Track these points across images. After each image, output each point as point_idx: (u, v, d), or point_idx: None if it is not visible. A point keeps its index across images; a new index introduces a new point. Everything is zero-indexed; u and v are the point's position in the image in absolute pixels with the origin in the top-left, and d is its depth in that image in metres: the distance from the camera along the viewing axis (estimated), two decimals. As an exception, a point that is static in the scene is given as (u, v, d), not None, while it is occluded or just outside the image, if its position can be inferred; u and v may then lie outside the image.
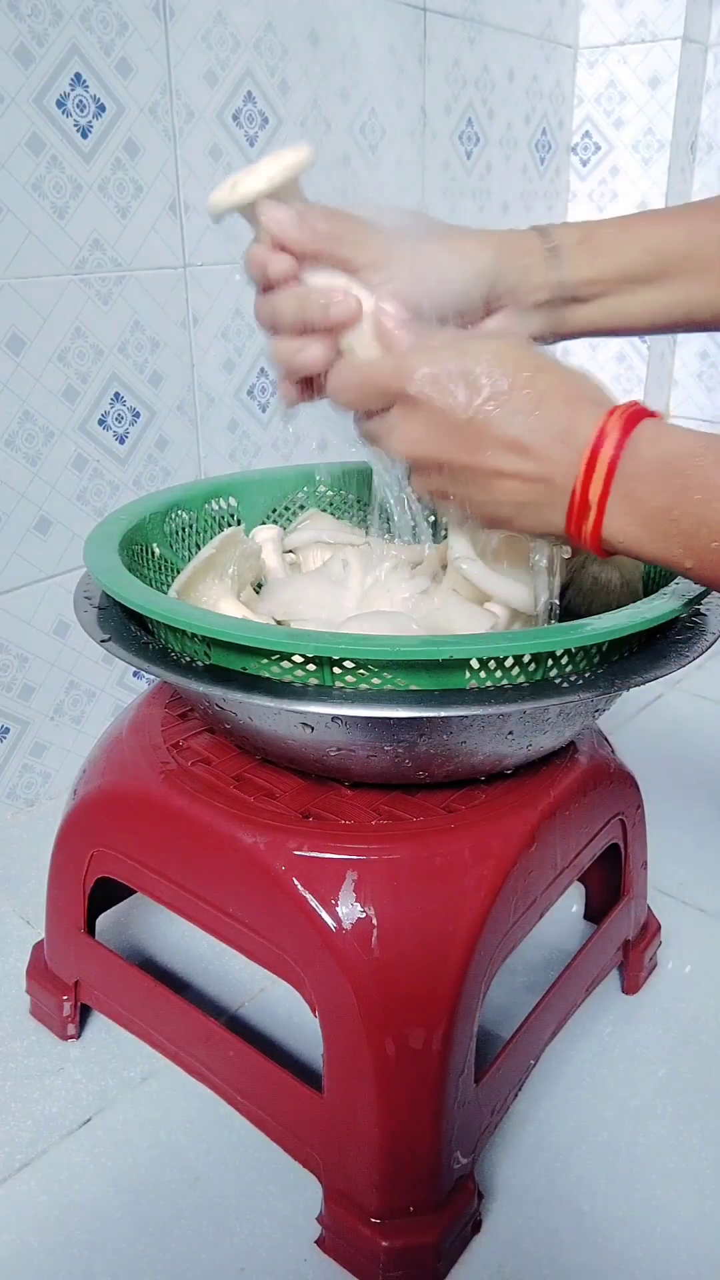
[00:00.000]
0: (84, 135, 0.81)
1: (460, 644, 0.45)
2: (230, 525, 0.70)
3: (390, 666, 0.46)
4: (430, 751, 0.50)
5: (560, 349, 0.63)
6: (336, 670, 0.46)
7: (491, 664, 0.46)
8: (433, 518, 0.69)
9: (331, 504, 0.74)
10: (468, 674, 0.46)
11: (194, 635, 0.48)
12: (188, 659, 0.50)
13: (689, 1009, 0.71)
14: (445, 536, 0.62)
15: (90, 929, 0.66)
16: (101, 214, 0.84)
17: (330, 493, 0.74)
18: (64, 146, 0.80)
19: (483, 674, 0.46)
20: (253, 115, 0.95)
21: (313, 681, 0.46)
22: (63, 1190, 0.58)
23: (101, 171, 0.83)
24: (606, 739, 0.66)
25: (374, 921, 0.49)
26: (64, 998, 0.67)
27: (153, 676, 0.55)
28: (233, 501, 0.70)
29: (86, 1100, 0.64)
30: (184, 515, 0.66)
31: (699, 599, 0.49)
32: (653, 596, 0.50)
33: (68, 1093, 0.64)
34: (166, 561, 0.63)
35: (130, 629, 0.53)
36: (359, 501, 0.75)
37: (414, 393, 0.46)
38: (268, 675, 0.47)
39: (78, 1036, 0.68)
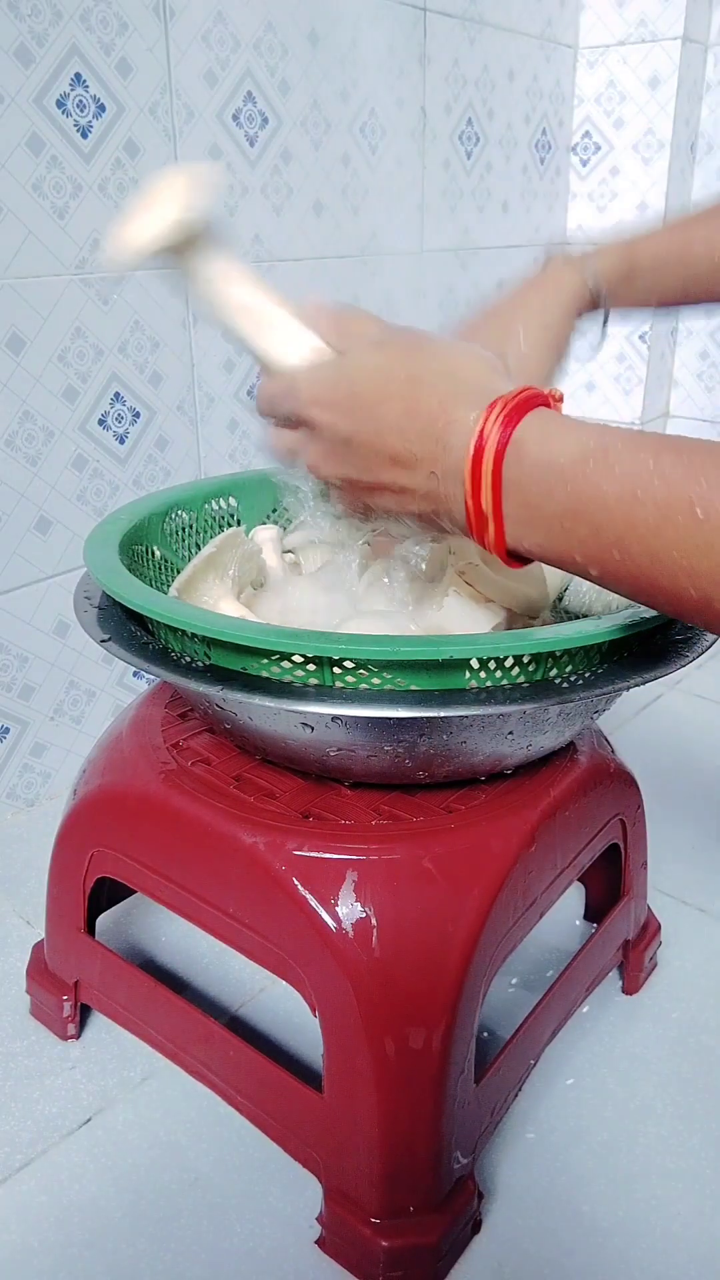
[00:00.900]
0: (84, 135, 0.81)
1: (460, 644, 0.45)
2: (230, 525, 0.70)
3: (390, 667, 0.46)
4: (430, 751, 0.50)
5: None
6: (336, 670, 0.46)
7: (491, 664, 0.46)
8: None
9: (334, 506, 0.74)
10: (468, 674, 0.46)
11: (194, 635, 0.48)
12: (188, 659, 0.50)
13: (689, 1009, 0.71)
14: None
15: (90, 929, 0.66)
16: (102, 214, 0.84)
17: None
18: (64, 146, 0.80)
19: (483, 674, 0.46)
20: (253, 115, 0.95)
21: (313, 681, 0.46)
22: (63, 1190, 0.58)
23: (101, 171, 0.83)
24: (606, 739, 0.66)
25: (374, 921, 0.49)
26: (64, 998, 0.67)
27: (153, 677, 0.55)
28: (233, 501, 0.70)
29: (86, 1100, 0.64)
30: (184, 515, 0.66)
31: None
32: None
33: (68, 1093, 0.64)
34: (166, 562, 0.63)
35: (130, 629, 0.53)
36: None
37: (305, 415, 0.46)
38: (267, 675, 0.47)
39: (78, 1036, 0.68)
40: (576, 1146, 0.61)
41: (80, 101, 0.80)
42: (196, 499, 0.68)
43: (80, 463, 0.89)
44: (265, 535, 0.67)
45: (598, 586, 0.48)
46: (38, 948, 0.71)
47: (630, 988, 0.72)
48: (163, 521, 0.64)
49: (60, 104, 0.79)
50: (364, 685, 0.46)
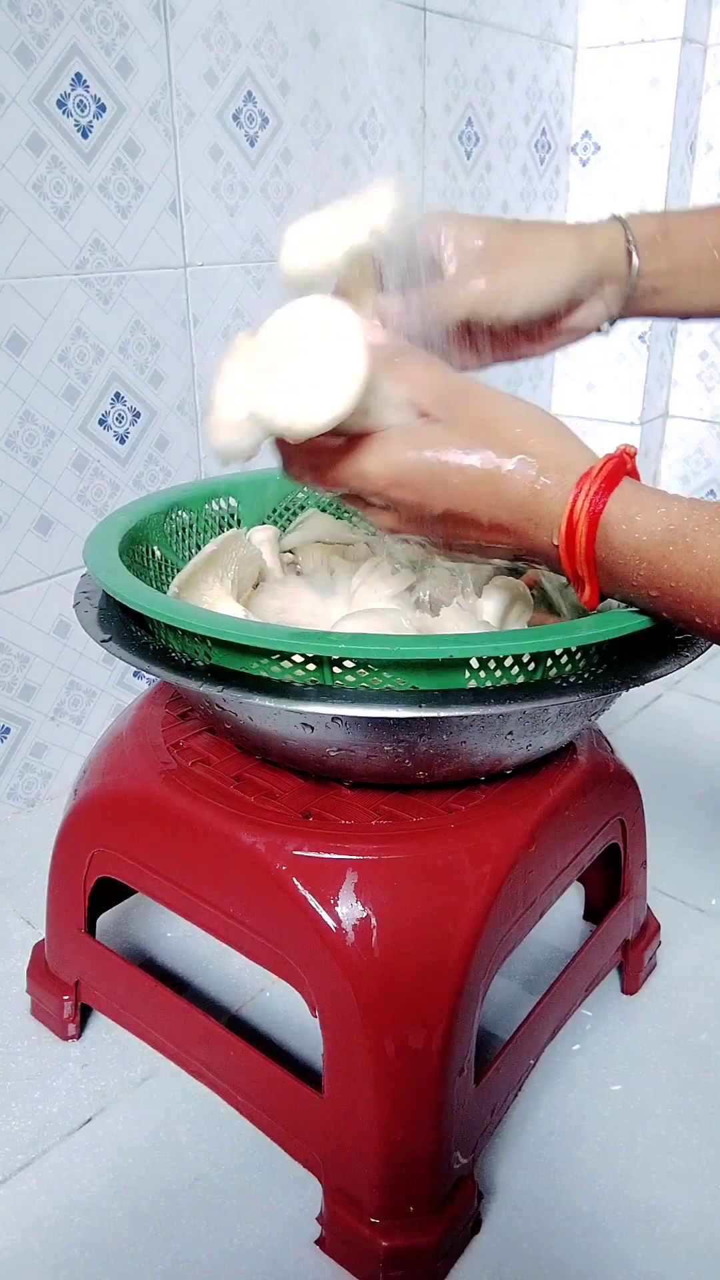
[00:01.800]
0: (84, 135, 0.81)
1: (460, 643, 0.45)
2: (230, 525, 0.70)
3: (390, 666, 0.46)
4: (430, 751, 0.50)
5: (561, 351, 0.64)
6: (336, 670, 0.46)
7: (491, 663, 0.46)
8: None
9: (331, 504, 0.74)
10: (467, 673, 0.46)
11: (194, 635, 0.48)
12: (188, 660, 0.50)
13: (689, 1009, 0.71)
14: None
15: (90, 929, 0.66)
16: (102, 214, 0.84)
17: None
18: (64, 146, 0.80)
19: (482, 674, 0.46)
20: (253, 115, 0.95)
21: (312, 681, 0.47)
22: (63, 1190, 0.58)
23: (102, 171, 0.83)
24: (606, 739, 0.66)
25: (374, 921, 0.49)
26: (64, 998, 0.67)
27: (153, 677, 0.55)
28: (233, 502, 0.70)
29: (86, 1100, 0.64)
30: (184, 515, 0.66)
31: None
32: None
33: (68, 1093, 0.64)
34: (166, 562, 0.63)
35: (131, 629, 0.53)
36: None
37: (385, 496, 0.47)
38: (267, 675, 0.47)
39: (78, 1036, 0.68)
40: (576, 1146, 0.61)
41: (81, 101, 0.80)
42: (197, 499, 0.68)
43: (81, 463, 0.89)
44: (261, 536, 0.67)
45: None
46: (38, 948, 0.71)
47: (630, 988, 0.72)
48: (163, 522, 0.64)
49: (61, 104, 0.79)
50: (364, 685, 0.46)
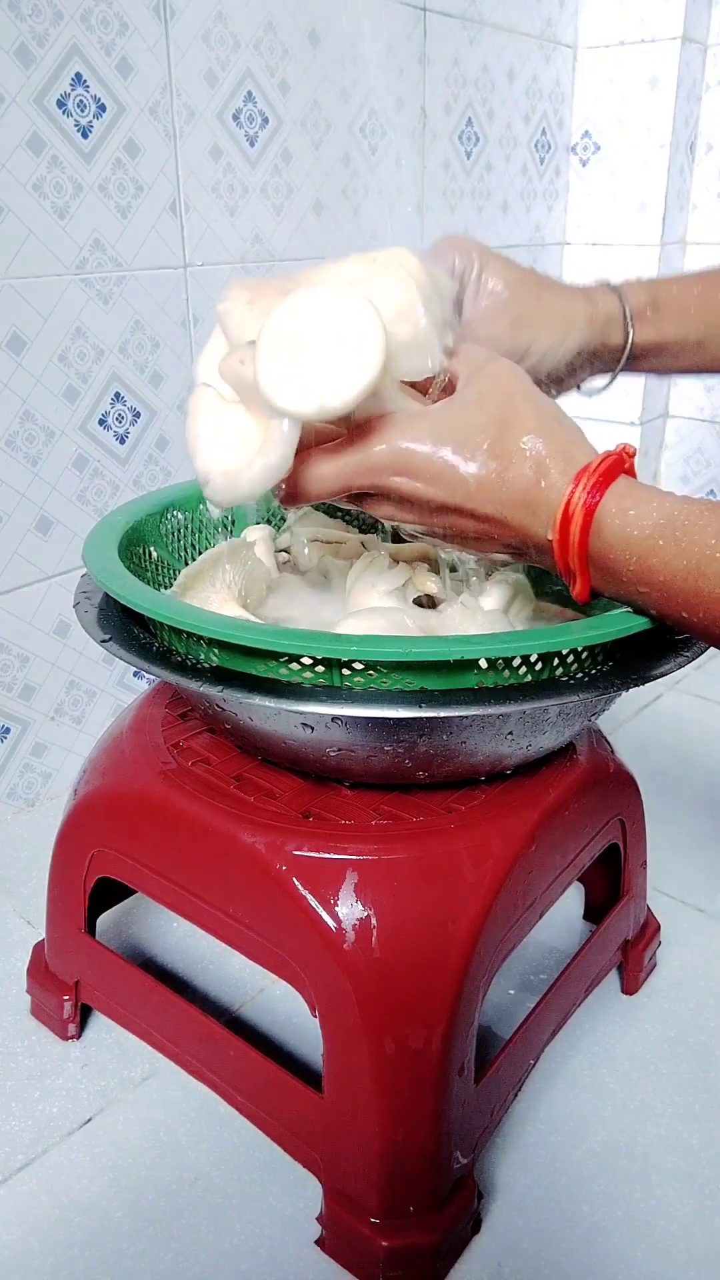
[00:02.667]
0: (84, 135, 0.81)
1: (470, 644, 0.45)
2: (226, 525, 0.70)
3: (400, 668, 0.46)
4: (430, 751, 0.50)
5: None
6: (345, 672, 0.46)
7: (500, 663, 0.46)
8: None
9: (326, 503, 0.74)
10: (475, 673, 0.46)
11: (201, 638, 0.48)
12: (192, 661, 0.50)
13: (689, 1009, 0.71)
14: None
15: (90, 929, 0.66)
16: (102, 214, 0.84)
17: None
18: (64, 146, 0.80)
19: (491, 674, 0.46)
20: (253, 115, 0.95)
21: (321, 683, 0.46)
22: (63, 1190, 0.58)
23: (102, 171, 0.83)
24: (606, 739, 0.66)
25: (374, 921, 0.49)
26: (64, 998, 0.67)
27: (153, 677, 0.55)
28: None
29: (86, 1100, 0.64)
30: (179, 516, 0.66)
31: None
32: None
33: (68, 1093, 0.64)
34: (164, 563, 0.63)
35: (132, 629, 0.53)
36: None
37: (388, 488, 0.47)
38: (275, 677, 0.47)
39: (78, 1036, 0.68)
40: (576, 1146, 0.61)
41: (80, 101, 0.80)
42: (192, 499, 0.67)
43: (81, 463, 0.89)
44: (256, 534, 0.67)
45: None
46: (38, 948, 0.71)
47: (630, 988, 0.72)
48: (159, 522, 0.64)
49: (61, 104, 0.79)
50: (373, 686, 0.46)
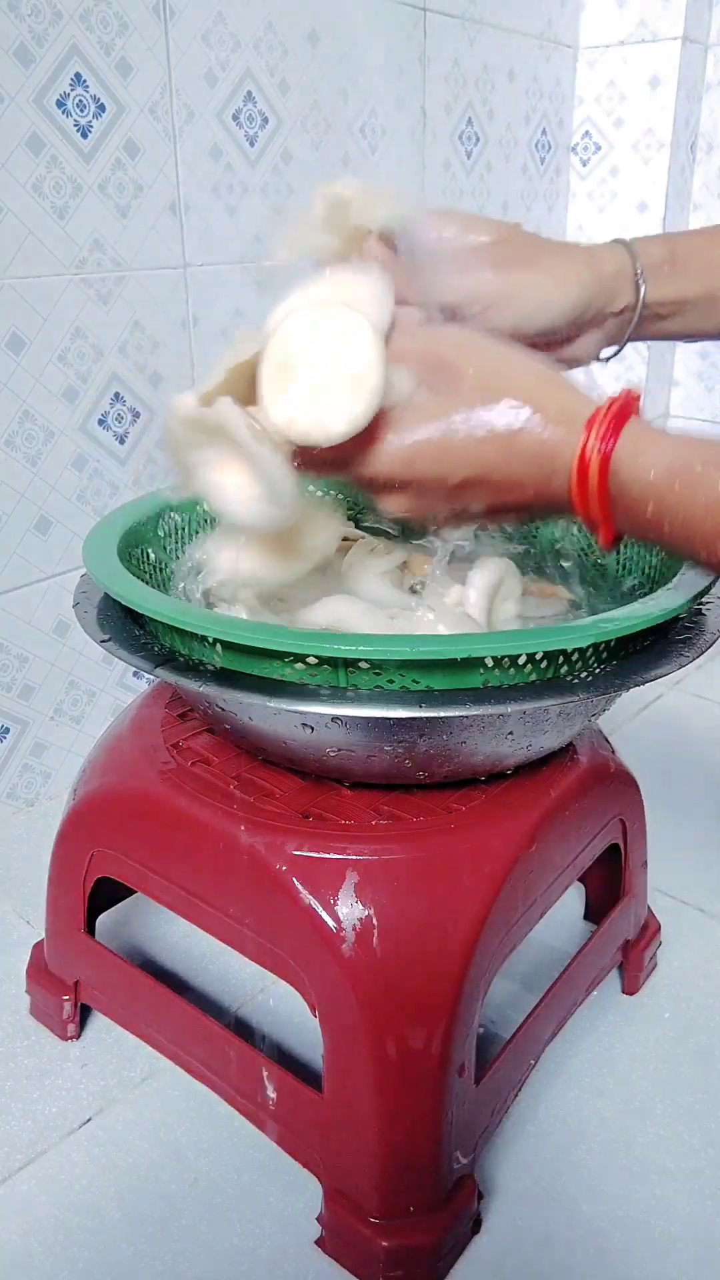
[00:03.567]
0: (84, 135, 0.81)
1: (476, 642, 0.45)
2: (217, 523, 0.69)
3: (406, 666, 0.45)
4: (430, 751, 0.50)
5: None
6: (351, 671, 0.46)
7: (505, 661, 0.46)
8: None
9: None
10: (482, 672, 0.46)
11: (205, 638, 0.48)
12: (195, 661, 0.49)
13: (689, 1009, 0.71)
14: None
15: (90, 929, 0.66)
16: (101, 214, 0.84)
17: (319, 492, 0.74)
18: (64, 146, 0.80)
19: (497, 672, 0.46)
20: (253, 115, 0.95)
21: (326, 683, 0.46)
22: (63, 1190, 0.58)
23: (101, 171, 0.83)
24: (606, 739, 0.66)
25: (374, 921, 0.49)
26: (64, 998, 0.67)
27: (153, 677, 0.55)
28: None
29: (86, 1100, 0.64)
30: (176, 517, 0.66)
31: (706, 591, 0.50)
32: (659, 592, 0.50)
33: (68, 1093, 0.64)
34: (162, 565, 0.63)
35: (132, 630, 0.53)
36: (339, 498, 0.74)
37: (394, 484, 0.46)
38: (280, 677, 0.47)
39: (78, 1036, 0.68)
40: (576, 1146, 0.61)
41: (80, 101, 0.80)
42: (188, 501, 0.67)
43: (80, 463, 0.89)
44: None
45: None
46: (38, 948, 0.71)
47: (630, 988, 0.72)
48: (156, 524, 0.63)
49: (60, 104, 0.79)
50: (378, 686, 0.46)
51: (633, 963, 0.71)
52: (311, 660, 0.46)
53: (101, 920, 0.72)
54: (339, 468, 0.47)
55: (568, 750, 0.60)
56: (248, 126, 0.95)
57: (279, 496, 0.46)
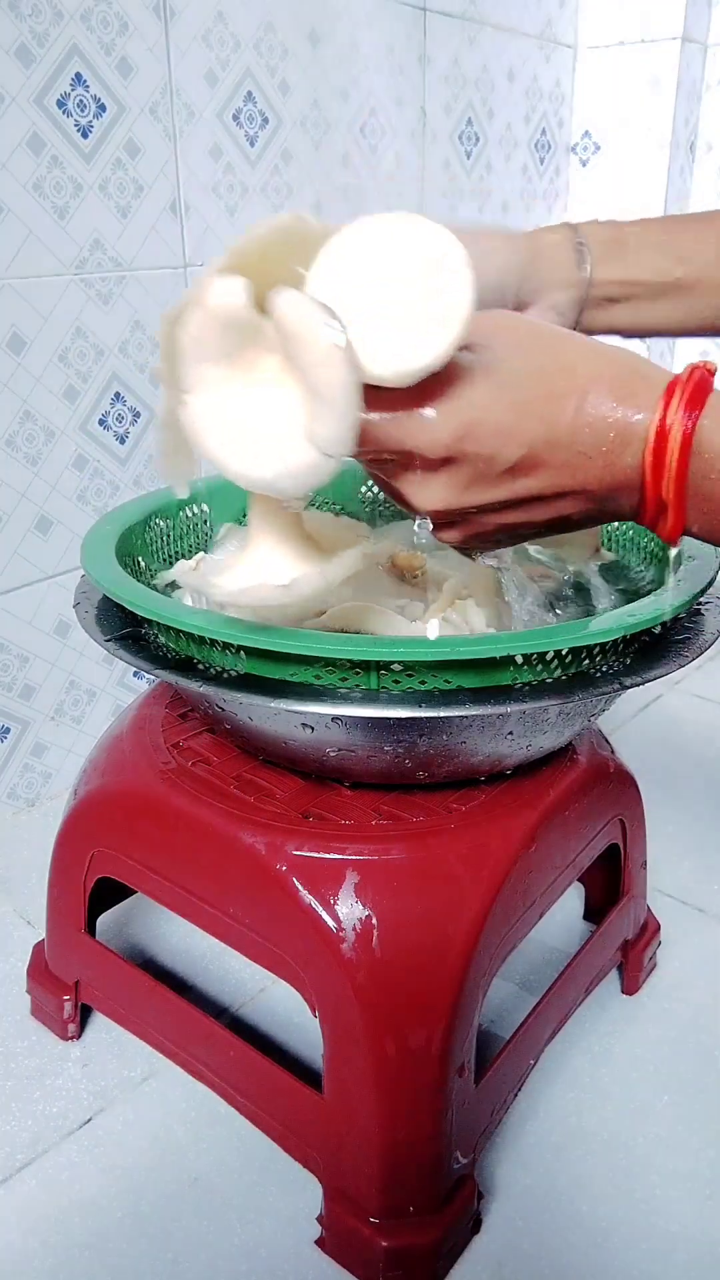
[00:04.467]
0: (84, 135, 0.81)
1: (510, 642, 0.44)
2: (202, 531, 0.68)
3: (439, 667, 0.45)
4: (430, 751, 0.50)
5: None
6: (383, 673, 0.45)
7: (534, 658, 0.46)
8: None
9: (320, 506, 0.74)
10: (511, 670, 0.46)
11: (228, 645, 0.47)
12: (215, 669, 0.49)
13: (689, 1009, 0.71)
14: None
15: (90, 929, 0.66)
16: (102, 214, 0.84)
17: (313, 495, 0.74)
18: (64, 146, 0.80)
19: (526, 669, 0.46)
20: (253, 115, 0.95)
21: (358, 686, 0.46)
22: (63, 1190, 0.58)
23: (102, 171, 0.83)
24: (606, 739, 0.66)
25: (374, 921, 0.49)
26: (64, 998, 0.67)
27: (154, 677, 0.55)
28: (205, 508, 0.69)
29: (86, 1100, 0.64)
30: (161, 524, 0.65)
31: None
32: (665, 587, 0.50)
33: (68, 1093, 0.64)
34: (151, 571, 0.63)
35: (137, 630, 0.53)
36: (327, 504, 0.74)
37: (435, 460, 0.41)
38: (308, 681, 0.46)
39: (78, 1036, 0.68)
40: (576, 1146, 0.61)
41: (81, 101, 0.80)
42: (172, 506, 0.66)
43: (81, 463, 0.89)
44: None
45: None
46: (38, 948, 0.71)
47: (630, 988, 0.72)
48: (144, 530, 0.63)
49: (61, 104, 0.79)
50: (411, 688, 0.46)
51: (632, 963, 0.72)
52: (344, 664, 0.45)
53: (102, 920, 0.72)
54: (383, 432, 0.41)
55: (568, 750, 0.60)
56: (248, 126, 0.95)
57: (338, 436, 0.36)
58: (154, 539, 0.64)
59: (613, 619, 0.46)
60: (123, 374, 0.90)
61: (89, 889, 0.63)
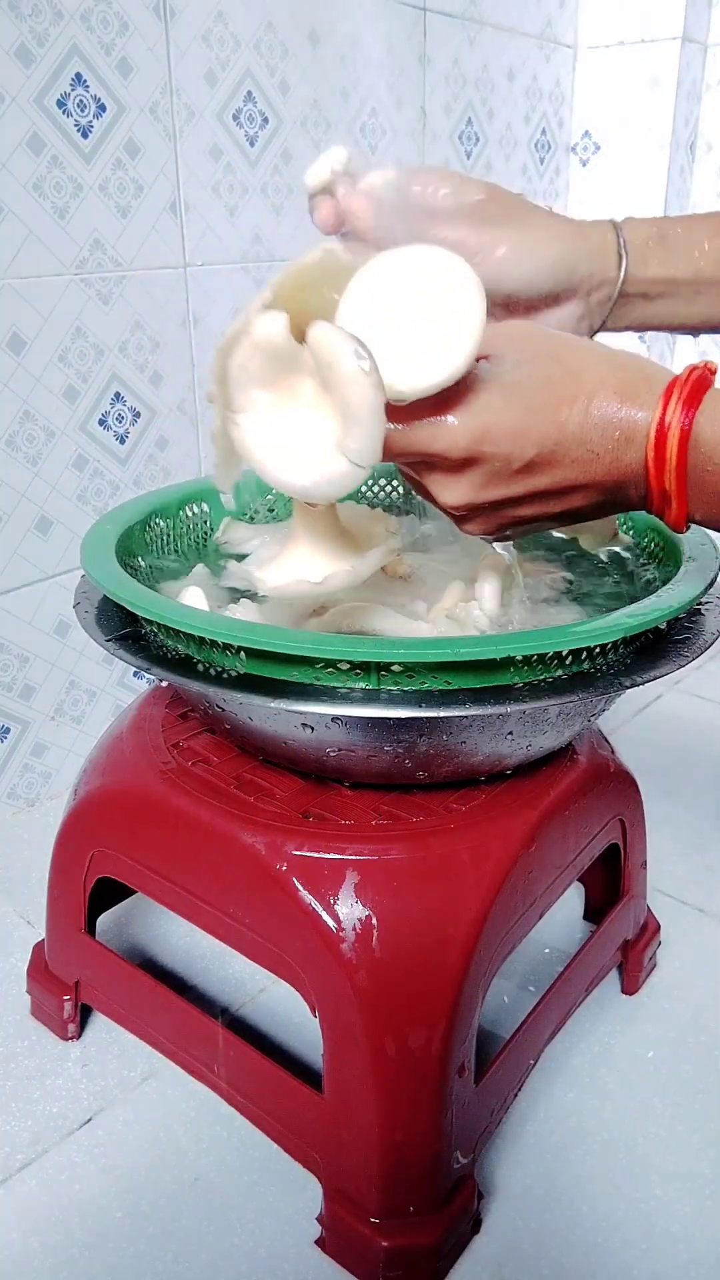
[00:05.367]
0: (84, 135, 0.81)
1: (512, 643, 0.45)
2: (202, 530, 0.68)
3: (440, 668, 0.45)
4: (430, 751, 0.50)
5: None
6: (383, 675, 0.46)
7: (535, 659, 0.46)
8: None
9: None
10: (512, 670, 0.46)
11: (228, 646, 0.47)
12: (206, 666, 0.49)
13: (689, 1009, 0.71)
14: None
15: (90, 929, 0.66)
16: (102, 214, 0.84)
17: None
18: (64, 146, 0.80)
19: (526, 670, 0.46)
20: (253, 115, 0.95)
21: (359, 686, 0.46)
22: (63, 1190, 0.58)
23: (102, 171, 0.83)
24: (606, 739, 0.66)
25: (374, 921, 0.49)
26: (64, 998, 0.67)
27: (154, 677, 0.55)
28: (205, 507, 0.69)
29: (86, 1100, 0.64)
30: (161, 523, 0.65)
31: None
32: (670, 585, 0.50)
33: (68, 1093, 0.64)
34: (151, 569, 0.63)
35: (137, 630, 0.53)
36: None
37: (455, 461, 0.44)
38: (309, 682, 0.46)
39: (78, 1036, 0.68)
40: (576, 1146, 0.61)
41: (81, 101, 0.80)
42: (171, 505, 0.66)
43: (81, 463, 0.89)
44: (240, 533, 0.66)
45: None
46: (38, 948, 0.71)
47: (630, 988, 0.72)
48: (144, 530, 0.63)
49: (61, 104, 0.79)
50: (411, 689, 0.46)
51: (632, 963, 0.72)
52: (344, 665, 0.45)
53: (101, 920, 0.72)
54: (407, 440, 0.44)
55: (567, 750, 0.60)
56: (248, 126, 0.95)
57: (367, 449, 0.41)
58: (154, 539, 0.64)
59: (613, 619, 0.46)
60: (123, 374, 0.90)
61: (89, 889, 0.63)
